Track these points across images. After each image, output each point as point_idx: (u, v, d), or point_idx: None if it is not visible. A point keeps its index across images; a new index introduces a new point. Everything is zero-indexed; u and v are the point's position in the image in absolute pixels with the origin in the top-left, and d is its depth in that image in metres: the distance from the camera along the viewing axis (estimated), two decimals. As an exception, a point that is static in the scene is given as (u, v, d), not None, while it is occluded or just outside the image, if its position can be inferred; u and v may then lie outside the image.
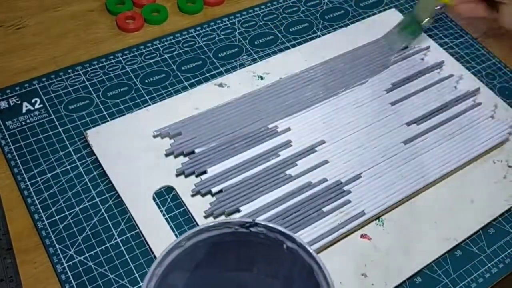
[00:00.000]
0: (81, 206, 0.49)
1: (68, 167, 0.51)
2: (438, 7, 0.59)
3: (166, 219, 0.49)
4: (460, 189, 0.54)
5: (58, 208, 0.49)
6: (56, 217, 0.48)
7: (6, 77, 0.58)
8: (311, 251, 0.33)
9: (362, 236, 0.50)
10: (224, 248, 0.35)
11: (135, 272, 0.46)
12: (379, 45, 0.64)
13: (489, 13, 0.54)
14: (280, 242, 0.34)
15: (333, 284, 0.32)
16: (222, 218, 0.32)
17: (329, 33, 0.67)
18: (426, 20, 0.60)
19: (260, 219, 0.34)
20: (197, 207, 0.49)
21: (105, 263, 0.46)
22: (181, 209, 0.50)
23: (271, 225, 0.33)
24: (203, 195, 0.50)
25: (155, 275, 0.31)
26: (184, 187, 0.51)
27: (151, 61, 0.61)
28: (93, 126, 0.54)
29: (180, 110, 0.55)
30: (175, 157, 0.52)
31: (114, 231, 0.48)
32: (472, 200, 0.53)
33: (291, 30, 0.67)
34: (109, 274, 0.46)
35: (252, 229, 0.34)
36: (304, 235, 0.48)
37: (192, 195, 0.50)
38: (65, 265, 0.46)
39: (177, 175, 0.51)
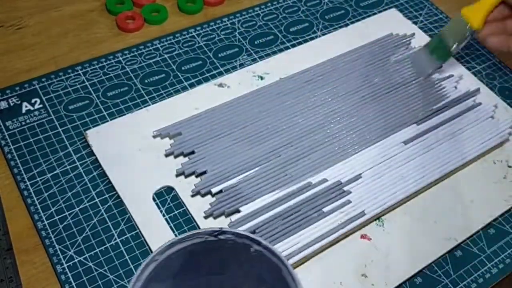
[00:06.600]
0: (81, 207, 0.49)
1: (68, 167, 0.51)
2: (468, 36, 0.55)
3: (166, 219, 0.49)
4: (460, 189, 0.54)
5: (58, 209, 0.49)
6: (56, 217, 0.48)
7: (6, 77, 0.58)
8: (276, 252, 0.35)
9: (362, 236, 0.50)
10: (197, 256, 0.37)
11: (135, 273, 0.46)
12: (380, 45, 0.64)
13: None
14: (247, 246, 0.36)
15: (299, 282, 0.34)
16: (192, 231, 0.37)
17: (329, 33, 0.67)
18: (454, 46, 0.57)
19: (227, 228, 0.36)
20: (197, 207, 0.49)
21: (105, 263, 0.46)
22: (181, 210, 0.50)
23: (238, 231, 0.36)
24: (203, 195, 0.50)
25: None
26: (184, 187, 0.51)
27: (151, 61, 0.61)
28: (93, 126, 0.54)
29: (180, 110, 0.55)
30: (175, 157, 0.52)
31: (114, 231, 0.48)
32: (472, 200, 0.53)
33: (291, 30, 0.67)
34: (109, 275, 0.46)
35: (221, 237, 0.36)
36: (304, 235, 0.48)
37: (192, 196, 0.50)
38: (65, 265, 0.46)
39: (177, 175, 0.51)
